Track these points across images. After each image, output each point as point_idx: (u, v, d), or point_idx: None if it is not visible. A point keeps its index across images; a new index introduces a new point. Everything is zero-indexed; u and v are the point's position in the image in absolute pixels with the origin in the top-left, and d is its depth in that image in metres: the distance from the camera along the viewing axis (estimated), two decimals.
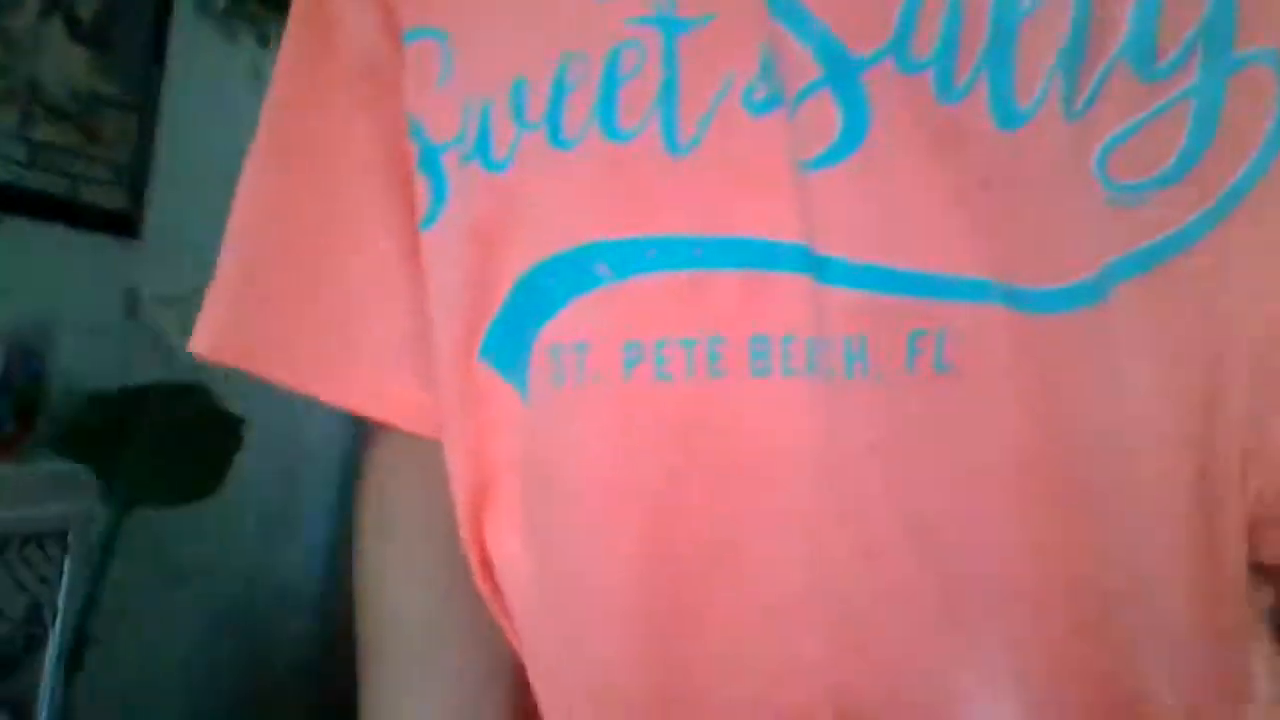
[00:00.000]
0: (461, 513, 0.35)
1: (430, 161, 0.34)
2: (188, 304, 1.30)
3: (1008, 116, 0.26)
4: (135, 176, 1.29)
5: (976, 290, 0.26)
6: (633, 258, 0.29)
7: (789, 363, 0.27)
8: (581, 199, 0.30)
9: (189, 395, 1.25)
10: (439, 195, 0.34)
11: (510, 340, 0.33)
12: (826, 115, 0.27)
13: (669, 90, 0.29)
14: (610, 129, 0.29)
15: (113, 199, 1.27)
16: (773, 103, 0.28)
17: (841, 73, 0.27)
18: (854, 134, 0.27)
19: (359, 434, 0.47)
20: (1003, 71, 0.26)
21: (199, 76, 1.31)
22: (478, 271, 0.33)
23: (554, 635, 0.33)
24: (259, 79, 1.38)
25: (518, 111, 0.31)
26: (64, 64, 1.16)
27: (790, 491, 0.28)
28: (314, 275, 0.38)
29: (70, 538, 1.07)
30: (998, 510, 0.27)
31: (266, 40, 1.37)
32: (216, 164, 1.30)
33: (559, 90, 0.30)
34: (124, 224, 1.29)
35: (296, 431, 1.58)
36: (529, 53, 0.31)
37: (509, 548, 0.34)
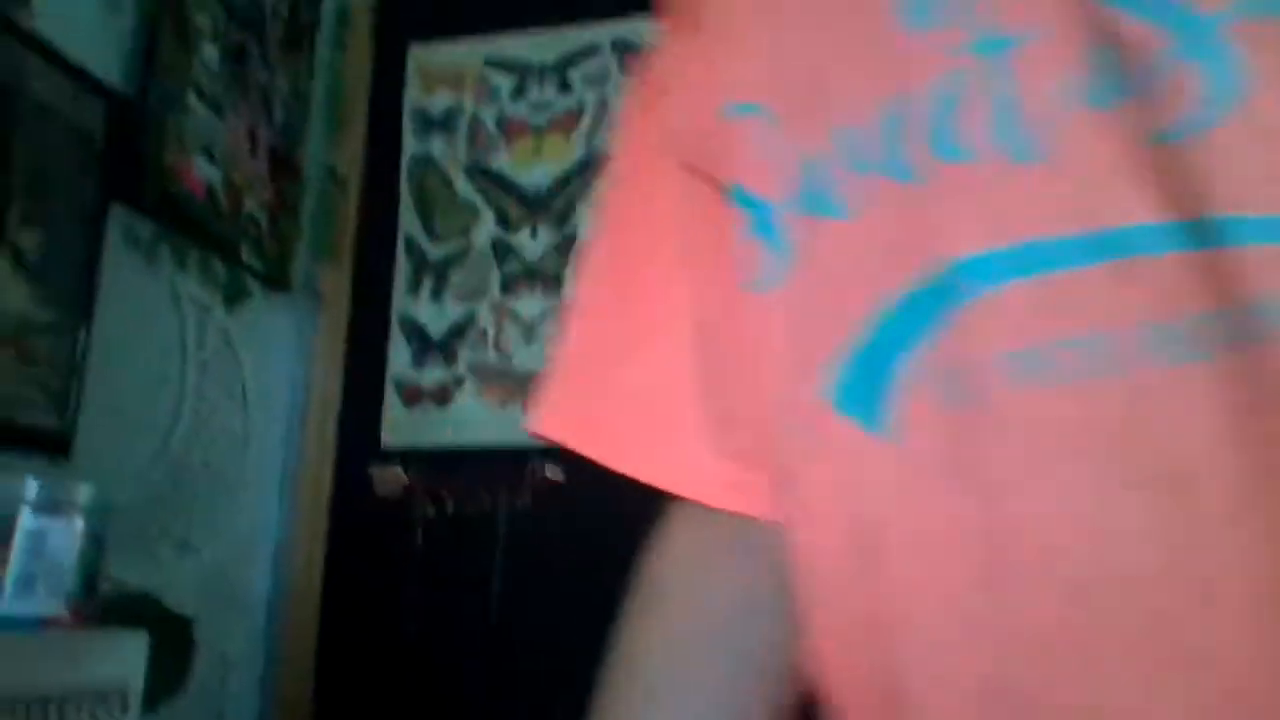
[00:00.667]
0: (809, 566, 0.34)
1: (764, 223, 0.35)
2: (123, 517, 1.37)
3: None
4: (66, 398, 1.31)
5: None
6: (1001, 267, 0.29)
7: (1193, 347, 0.26)
8: (934, 225, 0.30)
9: (141, 604, 1.23)
10: (777, 253, 0.35)
11: (869, 380, 0.32)
12: (1186, 82, 0.26)
13: (1005, 105, 0.29)
14: (951, 153, 0.30)
15: (45, 420, 1.28)
16: (1117, 91, 0.27)
17: (1196, 35, 0.26)
18: (1226, 90, 0.26)
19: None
20: None
21: (124, 301, 1.38)
22: (829, 318, 0.33)
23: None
24: (178, 301, 1.46)
25: (853, 158, 0.33)
26: (5, 294, 1.21)
27: (1209, 495, 0.25)
28: (628, 363, 0.42)
29: None
30: None
31: (184, 263, 1.47)
32: (140, 384, 1.36)
33: (891, 128, 0.32)
34: (56, 444, 1.29)
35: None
36: (851, 103, 0.33)
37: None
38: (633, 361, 0.42)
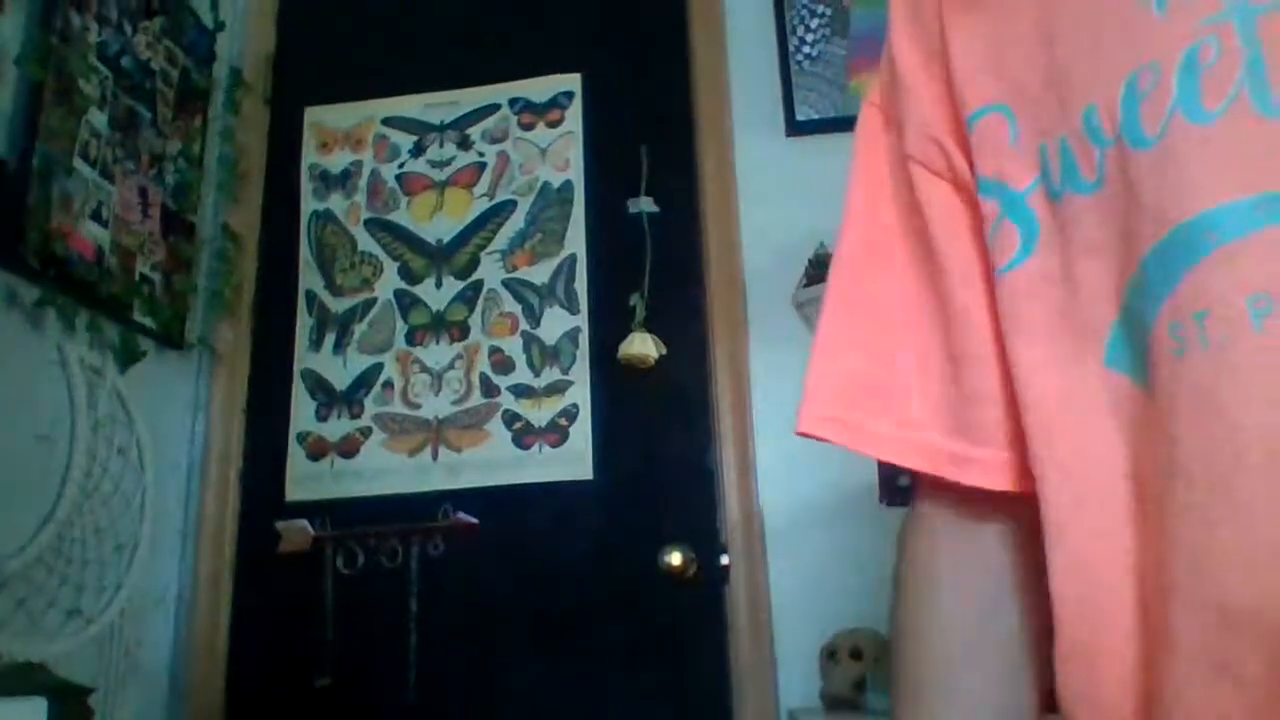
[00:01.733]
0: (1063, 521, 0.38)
1: (1016, 207, 0.40)
2: (8, 586, 1.36)
3: None
4: None
5: None
6: (1244, 218, 0.31)
7: None
8: (1179, 182, 0.33)
9: (33, 674, 1.19)
10: (1029, 234, 0.39)
11: (1130, 339, 0.36)
12: None
13: (1255, 65, 0.32)
14: (1195, 113, 0.33)
15: None
16: None
17: None
18: None
19: None
20: None
21: (6, 365, 1.35)
22: (1087, 288, 0.38)
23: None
24: (65, 363, 1.44)
25: (1094, 134, 0.36)
26: None
27: None
28: (870, 361, 0.48)
29: None
30: None
31: (72, 325, 1.45)
32: (24, 449, 1.32)
33: (1130, 101, 0.35)
34: None
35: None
36: (1092, 84, 0.37)
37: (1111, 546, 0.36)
38: (874, 358, 0.48)
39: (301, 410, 1.78)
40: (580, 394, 1.72)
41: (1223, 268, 0.33)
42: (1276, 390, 0.32)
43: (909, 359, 0.48)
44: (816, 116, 1.82)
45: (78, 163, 1.47)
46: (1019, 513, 0.45)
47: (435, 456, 1.72)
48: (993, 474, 0.45)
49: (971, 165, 0.44)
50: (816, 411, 0.50)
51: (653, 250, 1.76)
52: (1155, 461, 0.36)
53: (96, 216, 1.51)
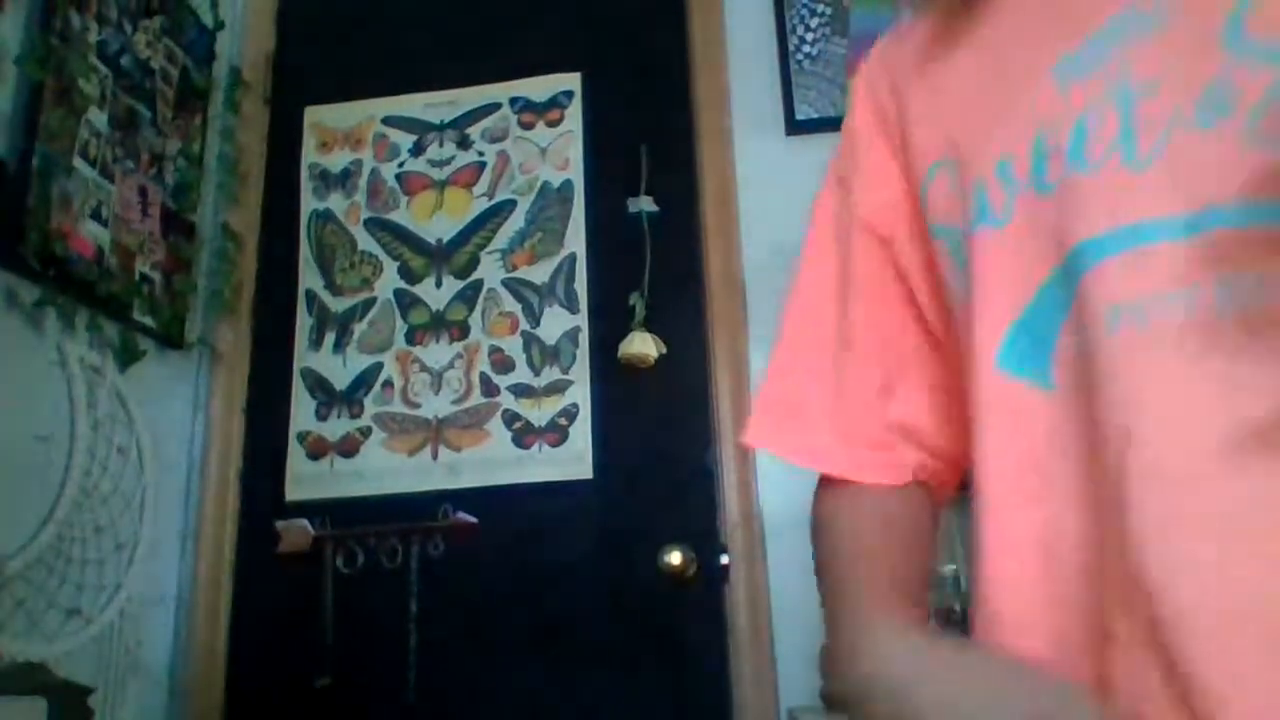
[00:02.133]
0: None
1: (956, 248, 0.50)
2: (8, 586, 1.36)
3: None
4: None
5: None
6: (1107, 245, 0.41)
7: (1254, 297, 0.38)
8: (1068, 219, 0.43)
9: (33, 674, 1.19)
10: (962, 270, 0.49)
11: (1027, 344, 0.45)
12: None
13: (1127, 131, 0.42)
14: (1082, 166, 0.43)
15: None
16: (1221, 112, 0.39)
17: None
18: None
19: None
20: None
21: (5, 364, 1.35)
22: (998, 308, 0.46)
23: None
24: (65, 362, 1.44)
25: (1006, 180, 0.46)
26: None
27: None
28: (805, 386, 0.59)
29: None
30: None
31: (72, 325, 1.45)
32: (24, 449, 1.32)
33: (1038, 154, 0.45)
34: None
35: None
36: (1010, 139, 0.47)
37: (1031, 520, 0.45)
38: (811, 385, 0.60)
39: (301, 410, 1.78)
40: (580, 393, 1.72)
41: (1095, 284, 0.42)
42: (1120, 392, 0.40)
43: (828, 385, 0.59)
44: (816, 116, 1.82)
45: (78, 162, 1.47)
46: (899, 497, 0.58)
47: (435, 456, 1.72)
48: (879, 472, 0.58)
49: (930, 212, 0.53)
50: (762, 425, 0.63)
51: (653, 250, 1.76)
52: (1052, 451, 0.44)
53: (96, 216, 1.51)
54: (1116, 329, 0.41)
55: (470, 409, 1.74)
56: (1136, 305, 0.40)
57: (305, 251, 1.88)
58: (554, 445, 1.70)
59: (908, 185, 0.56)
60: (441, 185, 1.89)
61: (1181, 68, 0.41)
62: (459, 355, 1.77)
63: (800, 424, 0.60)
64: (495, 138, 1.90)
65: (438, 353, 1.78)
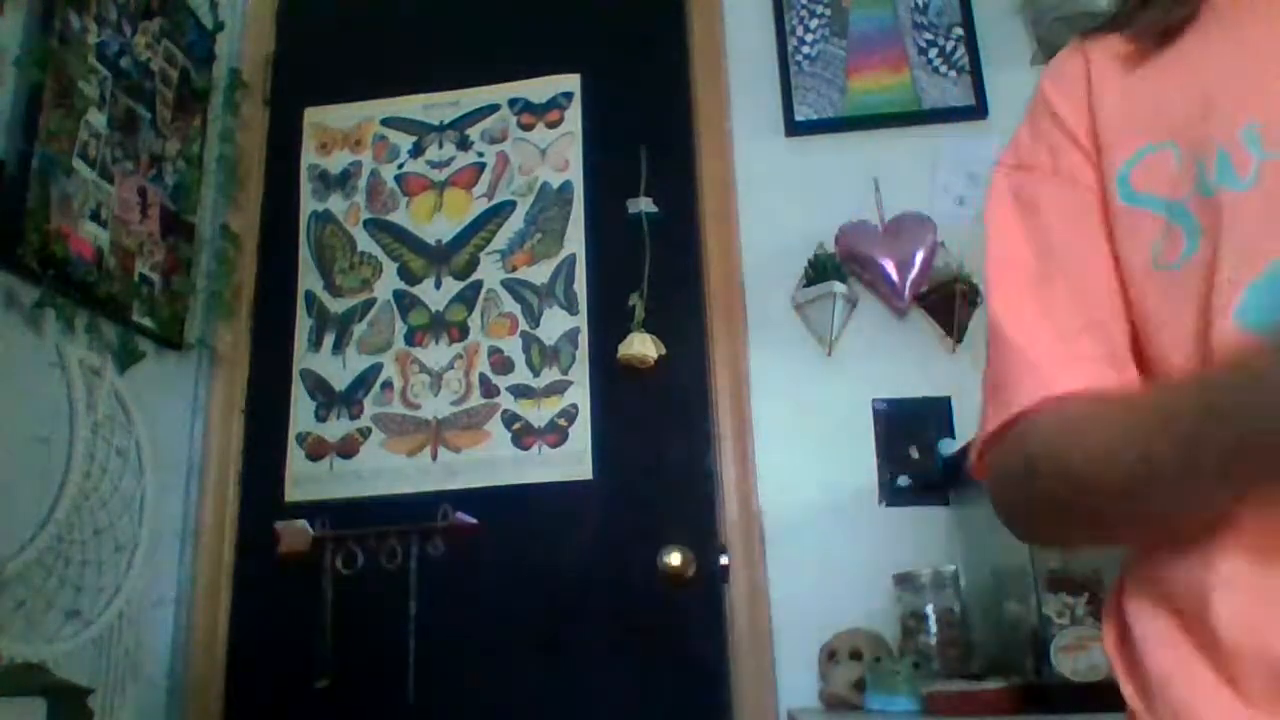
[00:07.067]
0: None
1: (1180, 213, 0.52)
2: (7, 588, 1.36)
3: None
4: None
5: None
6: None
7: None
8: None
9: (32, 675, 1.19)
10: (1191, 230, 0.52)
11: (1267, 301, 0.48)
12: None
13: None
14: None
15: None
16: None
17: None
18: None
19: None
20: None
21: (4, 365, 1.35)
22: (1242, 261, 0.49)
23: None
24: (64, 363, 1.44)
25: (1253, 145, 0.50)
26: None
27: None
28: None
29: None
30: None
31: (71, 326, 1.45)
32: (23, 450, 1.32)
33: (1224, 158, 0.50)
34: None
35: None
36: (1249, 109, 0.51)
37: None
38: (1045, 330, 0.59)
39: (301, 411, 1.78)
40: (580, 394, 1.72)
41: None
42: None
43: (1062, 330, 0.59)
44: (815, 117, 1.82)
45: (77, 163, 1.47)
46: None
47: (435, 457, 1.72)
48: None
49: (1143, 186, 0.56)
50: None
51: (652, 250, 1.76)
52: None
53: (96, 217, 1.51)
54: None
55: (470, 410, 1.74)
56: None
57: (305, 253, 1.88)
58: (554, 446, 1.70)
59: (1095, 174, 0.59)
60: (441, 186, 1.89)
61: None
62: (458, 356, 1.78)
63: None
64: (495, 139, 1.90)
65: (437, 353, 1.78)
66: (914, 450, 1.63)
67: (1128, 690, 0.54)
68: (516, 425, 1.72)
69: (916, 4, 1.88)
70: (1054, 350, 0.56)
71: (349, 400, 1.78)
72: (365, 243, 1.87)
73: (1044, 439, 0.53)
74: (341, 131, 1.95)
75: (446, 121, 1.93)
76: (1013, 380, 0.57)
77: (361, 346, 1.81)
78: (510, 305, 1.79)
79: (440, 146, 1.91)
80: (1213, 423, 0.43)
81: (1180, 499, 0.48)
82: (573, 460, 1.69)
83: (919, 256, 1.65)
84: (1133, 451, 0.47)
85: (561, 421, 1.71)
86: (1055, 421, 0.53)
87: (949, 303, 1.64)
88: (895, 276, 1.65)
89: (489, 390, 1.75)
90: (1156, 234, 0.54)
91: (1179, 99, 0.55)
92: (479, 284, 1.81)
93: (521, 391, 1.74)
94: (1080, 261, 0.58)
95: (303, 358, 1.82)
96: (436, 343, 1.79)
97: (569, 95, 1.90)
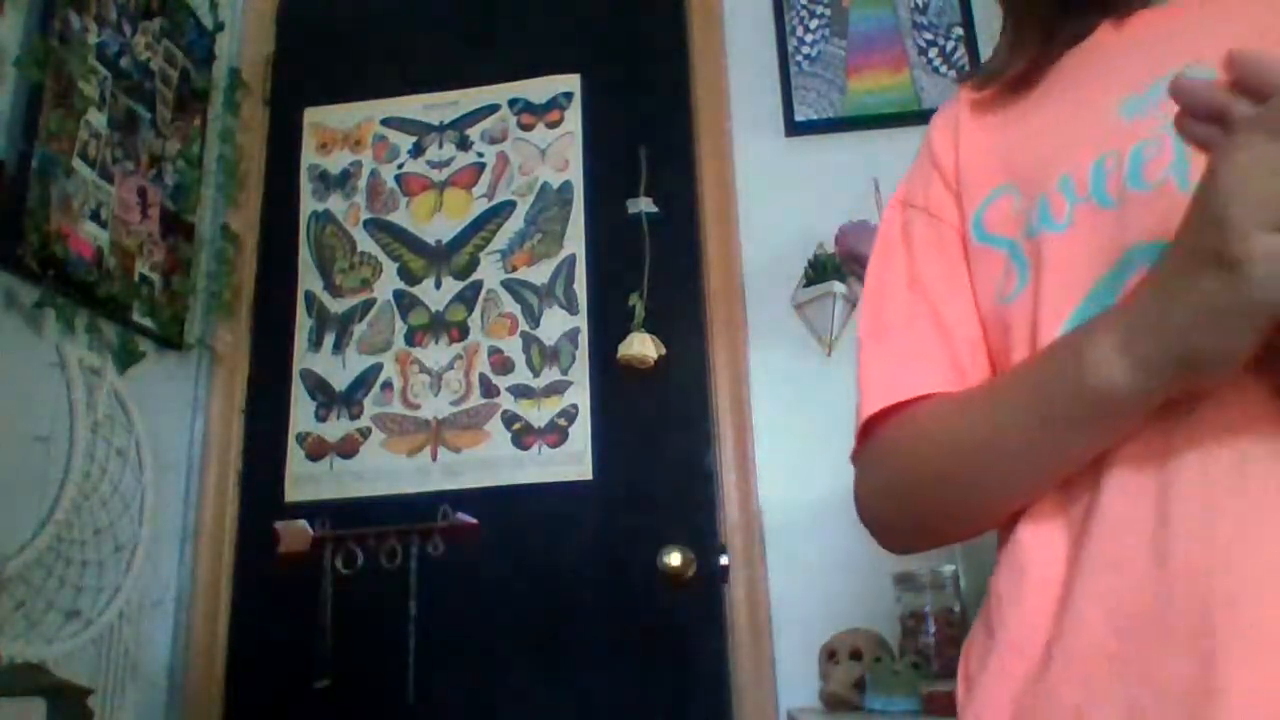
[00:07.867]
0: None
1: (1015, 254, 0.58)
2: (7, 587, 1.36)
3: None
4: None
5: None
6: (1156, 253, 0.49)
7: None
8: (1124, 230, 0.52)
9: (32, 675, 1.19)
10: (1023, 268, 0.57)
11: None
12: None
13: (1181, 159, 0.50)
14: (1140, 186, 0.52)
15: None
16: None
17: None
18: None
19: None
20: None
21: (4, 365, 1.35)
22: (1063, 292, 0.54)
23: None
24: (64, 363, 1.44)
25: (1069, 193, 0.55)
26: None
27: None
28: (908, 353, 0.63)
29: None
30: None
31: (71, 326, 1.45)
32: (23, 450, 1.32)
33: (1098, 174, 0.54)
34: None
35: None
36: (1073, 161, 0.55)
37: None
38: (911, 351, 0.64)
39: (301, 411, 1.78)
40: (580, 394, 1.72)
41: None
42: None
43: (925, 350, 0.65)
44: (815, 117, 1.82)
45: (77, 163, 1.47)
46: None
47: (435, 457, 1.72)
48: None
49: (992, 227, 0.62)
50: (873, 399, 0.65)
51: (652, 251, 1.76)
52: None
53: (96, 217, 1.51)
54: None
55: (470, 410, 1.74)
56: None
57: (305, 253, 1.88)
58: (553, 446, 1.70)
59: (959, 211, 0.65)
60: (441, 186, 1.89)
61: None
62: (458, 356, 1.78)
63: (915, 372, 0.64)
64: (494, 139, 1.90)
65: (437, 354, 1.78)
66: None
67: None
68: (516, 425, 1.72)
69: (916, 4, 1.88)
70: (907, 366, 0.62)
71: (349, 400, 1.78)
72: (365, 243, 1.87)
73: (894, 439, 0.61)
74: (341, 131, 1.95)
75: (446, 121, 1.93)
76: (864, 399, 0.63)
77: (361, 346, 1.81)
78: (510, 305, 1.79)
79: (440, 146, 1.91)
80: (1070, 357, 0.50)
81: (1029, 457, 0.53)
82: (572, 460, 1.69)
83: None
84: (981, 420, 0.55)
85: (561, 421, 1.71)
86: (905, 423, 0.60)
87: None
88: None
89: (489, 390, 1.75)
90: (1000, 271, 0.60)
91: (1020, 148, 0.61)
92: (479, 284, 1.82)
93: (521, 391, 1.74)
94: (942, 297, 0.63)
95: (303, 358, 1.82)
96: (436, 343, 1.79)
97: (569, 95, 1.90)
